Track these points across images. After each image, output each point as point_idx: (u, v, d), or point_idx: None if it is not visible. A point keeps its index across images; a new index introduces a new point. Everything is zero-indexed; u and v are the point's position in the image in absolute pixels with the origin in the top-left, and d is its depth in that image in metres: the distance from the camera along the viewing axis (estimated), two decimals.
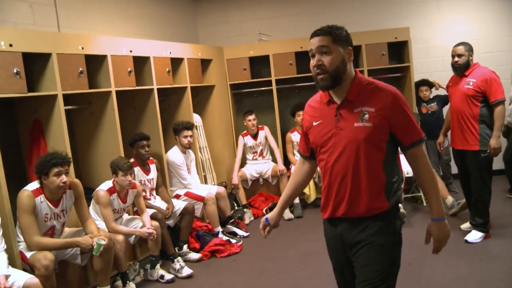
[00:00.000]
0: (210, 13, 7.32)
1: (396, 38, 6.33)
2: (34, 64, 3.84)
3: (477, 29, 6.85)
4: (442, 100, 6.24)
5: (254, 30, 6.87)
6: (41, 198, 3.50)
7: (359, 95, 2.07)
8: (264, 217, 2.47)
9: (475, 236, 4.44)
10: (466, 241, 4.41)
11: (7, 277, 3.04)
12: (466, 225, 4.78)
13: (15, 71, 3.50)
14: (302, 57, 6.34)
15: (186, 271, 4.31)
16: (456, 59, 4.41)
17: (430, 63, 6.84)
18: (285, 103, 6.55)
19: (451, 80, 4.64)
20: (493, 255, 4.16)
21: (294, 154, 6.25)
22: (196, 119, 5.82)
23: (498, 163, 6.52)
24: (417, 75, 6.43)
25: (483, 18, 6.86)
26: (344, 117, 2.08)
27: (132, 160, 4.51)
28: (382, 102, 2.03)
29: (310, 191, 6.09)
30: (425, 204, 5.87)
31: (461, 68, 4.40)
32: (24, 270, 3.32)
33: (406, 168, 5.80)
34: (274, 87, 6.34)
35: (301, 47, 6.30)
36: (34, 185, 3.54)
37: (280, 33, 6.95)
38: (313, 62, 2.07)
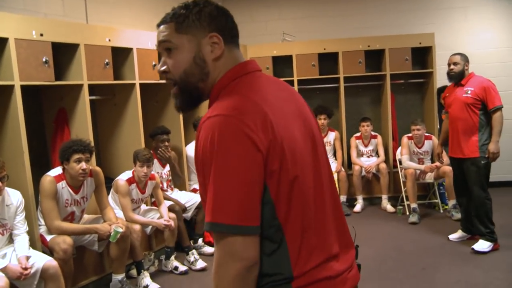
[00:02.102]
0: (236, 12, 7.26)
1: (420, 43, 6.30)
2: (62, 54, 3.94)
3: (503, 38, 6.79)
4: None
5: (279, 30, 6.90)
6: (62, 184, 3.60)
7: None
8: None
9: (482, 245, 4.36)
10: (473, 249, 4.35)
11: (28, 258, 3.14)
12: (455, 235, 4.76)
13: (44, 59, 3.60)
14: (325, 59, 6.38)
15: (200, 264, 4.37)
16: (452, 67, 4.55)
17: None
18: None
19: (447, 90, 4.74)
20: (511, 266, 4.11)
21: None
22: None
23: (506, 175, 6.55)
24: (440, 82, 6.37)
25: (509, 27, 6.79)
26: None
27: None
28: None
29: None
30: (441, 211, 5.83)
31: (455, 77, 4.54)
32: (44, 252, 3.42)
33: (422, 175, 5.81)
34: (296, 87, 6.36)
35: (325, 49, 6.32)
36: (56, 171, 3.64)
37: (304, 34, 6.96)
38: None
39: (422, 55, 6.52)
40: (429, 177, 5.82)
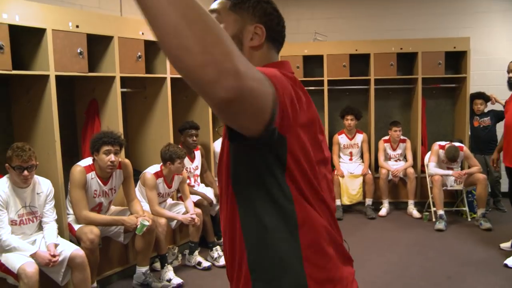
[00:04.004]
0: None
1: (455, 47, 6.17)
2: (96, 45, 3.99)
3: None
4: (497, 116, 6.05)
5: (310, 29, 6.85)
6: (92, 175, 3.64)
7: None
8: None
9: None
10: (506, 265, 4.18)
11: (56, 245, 3.19)
12: (506, 245, 4.59)
13: (79, 51, 3.65)
14: (356, 60, 6.32)
15: (223, 260, 4.36)
16: (510, 75, 4.32)
17: (488, 75, 6.62)
18: (335, 104, 6.52)
19: (511, 96, 4.51)
20: None
21: (339, 156, 6.27)
22: None
23: None
24: (473, 87, 6.25)
25: None
26: None
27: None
28: None
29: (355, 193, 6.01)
30: (469, 219, 5.71)
31: (510, 85, 4.32)
32: (71, 241, 3.47)
33: (450, 182, 5.70)
34: (325, 87, 6.32)
35: (356, 50, 6.25)
36: (87, 161, 3.68)
37: (336, 34, 6.90)
38: None
39: (456, 60, 6.38)
40: (459, 184, 5.70)
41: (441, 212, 5.46)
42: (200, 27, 0.76)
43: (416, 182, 6.06)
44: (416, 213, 5.90)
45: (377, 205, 6.14)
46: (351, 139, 6.27)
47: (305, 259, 1.15)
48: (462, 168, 5.86)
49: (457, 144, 5.66)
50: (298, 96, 1.12)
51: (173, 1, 0.75)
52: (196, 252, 4.37)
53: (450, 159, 5.50)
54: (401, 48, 6.20)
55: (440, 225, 5.33)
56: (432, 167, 5.66)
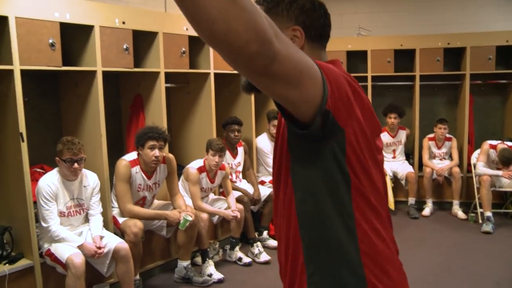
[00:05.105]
0: None
1: (507, 41, 5.91)
2: (141, 41, 4.03)
3: None
4: None
5: (354, 23, 6.73)
6: (136, 169, 3.70)
7: None
8: None
9: None
10: None
11: (101, 237, 3.27)
12: None
13: (124, 47, 3.71)
14: (401, 55, 6.16)
15: (264, 257, 4.36)
16: None
17: None
18: (378, 101, 6.38)
19: None
20: None
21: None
22: None
23: None
24: None
25: None
26: None
27: None
28: None
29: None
30: None
31: None
32: (115, 234, 3.54)
33: (499, 182, 5.49)
34: (369, 83, 6.20)
35: (401, 45, 6.09)
36: (132, 155, 3.74)
37: (380, 29, 6.75)
38: None
39: (508, 54, 6.10)
40: (509, 185, 5.48)
41: (488, 213, 5.26)
42: (241, 5, 0.77)
43: (461, 182, 5.87)
44: (461, 214, 5.72)
45: (420, 205, 6.00)
46: (393, 137, 6.14)
47: (362, 252, 1.13)
48: None
49: (509, 143, 5.42)
50: (353, 88, 1.11)
51: None
52: (237, 248, 4.38)
53: (505, 162, 5.19)
54: (449, 43, 6.00)
55: (488, 227, 5.15)
56: (480, 166, 5.45)
